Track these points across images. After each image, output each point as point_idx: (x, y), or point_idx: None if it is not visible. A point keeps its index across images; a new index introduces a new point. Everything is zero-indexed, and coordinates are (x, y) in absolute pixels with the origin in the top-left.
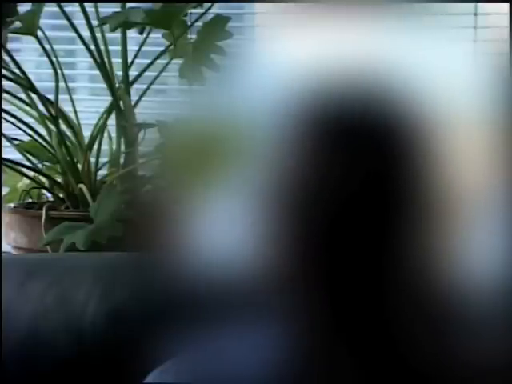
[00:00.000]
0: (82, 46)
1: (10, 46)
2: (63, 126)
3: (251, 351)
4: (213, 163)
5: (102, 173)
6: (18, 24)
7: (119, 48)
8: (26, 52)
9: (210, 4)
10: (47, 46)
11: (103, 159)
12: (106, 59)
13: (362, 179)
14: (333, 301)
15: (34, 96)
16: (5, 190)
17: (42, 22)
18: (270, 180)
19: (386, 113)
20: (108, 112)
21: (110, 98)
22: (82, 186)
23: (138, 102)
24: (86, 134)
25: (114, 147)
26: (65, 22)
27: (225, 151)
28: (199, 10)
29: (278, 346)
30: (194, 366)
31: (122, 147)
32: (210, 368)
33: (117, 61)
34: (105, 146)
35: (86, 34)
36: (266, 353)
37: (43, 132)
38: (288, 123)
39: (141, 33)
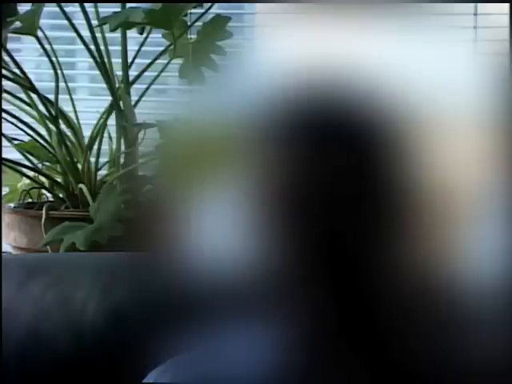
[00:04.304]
0: (82, 46)
1: (10, 46)
2: (63, 126)
3: (250, 351)
4: (213, 163)
5: (102, 173)
6: (17, 24)
7: (119, 48)
8: (26, 52)
9: (210, 4)
10: (47, 46)
11: (103, 159)
12: (105, 59)
13: (362, 180)
14: (331, 301)
15: (34, 96)
16: (5, 190)
17: (42, 21)
18: (269, 179)
19: (385, 113)
20: (108, 112)
21: (110, 98)
22: (82, 185)
23: (138, 102)
24: (86, 134)
25: (114, 147)
26: (65, 21)
27: (225, 151)
28: (199, 10)
29: (277, 346)
30: (193, 366)
31: (122, 147)
32: (209, 368)
33: (117, 61)
34: (105, 146)
35: (86, 34)
36: (265, 353)
37: (43, 132)
38: (288, 123)
39: (141, 33)
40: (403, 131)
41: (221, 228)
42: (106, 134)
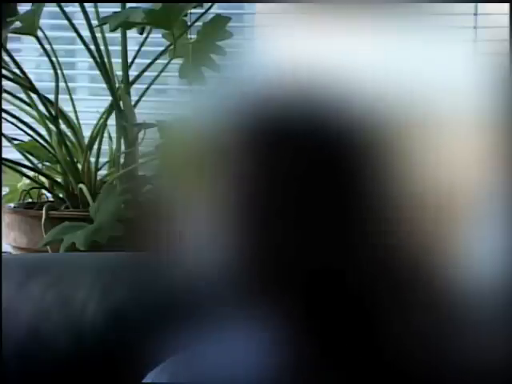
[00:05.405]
0: (82, 46)
1: (10, 46)
2: (63, 126)
3: (248, 352)
4: (213, 163)
5: (102, 173)
6: (17, 24)
7: (119, 48)
8: (26, 52)
9: (210, 4)
10: (47, 46)
11: (103, 159)
12: (105, 59)
13: (362, 180)
14: (329, 301)
15: (34, 96)
16: (5, 190)
17: (42, 21)
18: (270, 180)
19: (386, 113)
20: (108, 112)
21: (110, 98)
22: (82, 185)
23: (138, 102)
24: (86, 134)
25: (114, 147)
26: (65, 21)
27: (224, 151)
28: (199, 10)
29: (273, 347)
30: (191, 365)
31: (122, 147)
32: (208, 368)
33: (117, 61)
34: (105, 146)
35: (86, 33)
36: (262, 354)
37: (43, 132)
38: (287, 122)
39: (141, 33)
40: (403, 131)
41: (220, 228)
42: (106, 134)
